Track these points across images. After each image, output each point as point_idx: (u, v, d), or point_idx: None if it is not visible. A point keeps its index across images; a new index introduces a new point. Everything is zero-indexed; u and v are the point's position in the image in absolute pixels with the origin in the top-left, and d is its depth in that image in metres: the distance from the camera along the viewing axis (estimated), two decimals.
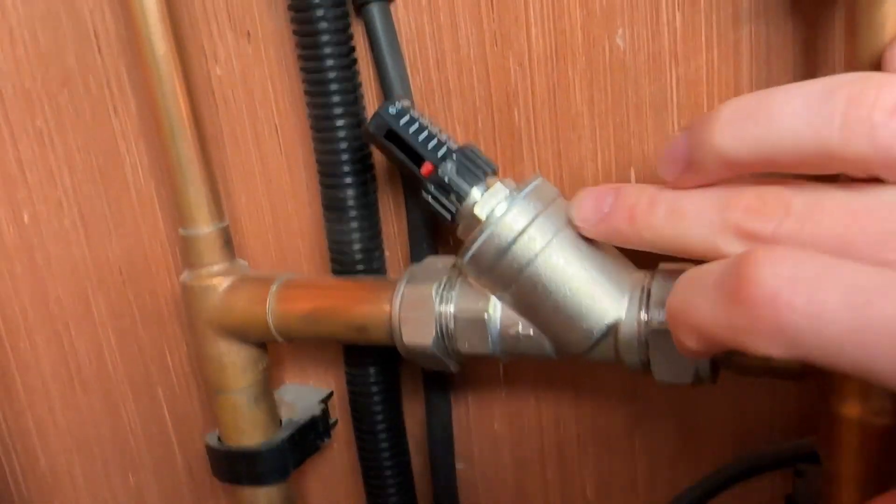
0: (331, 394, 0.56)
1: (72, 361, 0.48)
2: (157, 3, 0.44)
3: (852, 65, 0.30)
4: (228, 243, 0.48)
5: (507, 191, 0.38)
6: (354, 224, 0.47)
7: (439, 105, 0.46)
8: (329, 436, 0.54)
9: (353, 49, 0.45)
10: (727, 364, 0.36)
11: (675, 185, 0.29)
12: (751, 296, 0.21)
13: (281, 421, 0.52)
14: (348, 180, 0.46)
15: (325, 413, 0.54)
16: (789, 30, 0.37)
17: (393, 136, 0.39)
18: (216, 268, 0.47)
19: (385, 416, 0.51)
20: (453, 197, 0.38)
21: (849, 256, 0.22)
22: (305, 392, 0.56)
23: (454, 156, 0.38)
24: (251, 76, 0.51)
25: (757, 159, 0.24)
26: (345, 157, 0.46)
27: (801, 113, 0.22)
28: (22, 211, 0.48)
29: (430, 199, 0.39)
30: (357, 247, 0.47)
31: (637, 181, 0.42)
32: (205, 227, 0.47)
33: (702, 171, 0.27)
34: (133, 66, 0.50)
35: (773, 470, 0.42)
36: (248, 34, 0.50)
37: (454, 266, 0.42)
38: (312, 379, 0.56)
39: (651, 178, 0.42)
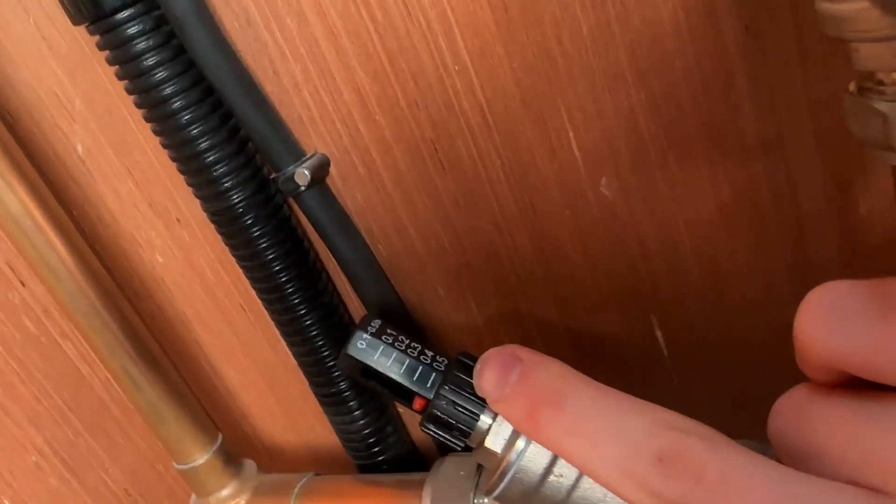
0: None
1: None
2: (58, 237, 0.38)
3: None
4: (230, 460, 0.43)
5: None
6: (358, 413, 0.42)
7: (412, 271, 0.39)
8: None
9: (298, 243, 0.38)
10: None
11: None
12: None
13: None
14: (337, 374, 0.41)
15: None
16: (816, 160, 0.29)
17: (371, 373, 0.33)
18: (225, 492, 0.43)
19: None
20: (457, 433, 0.33)
21: None
22: None
23: (448, 386, 0.32)
24: (195, 260, 0.44)
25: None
26: (326, 353, 0.40)
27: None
28: (1, 498, 0.44)
29: (430, 433, 0.34)
30: (366, 432, 0.43)
31: (661, 328, 0.36)
32: (199, 458, 0.42)
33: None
34: None
35: None
36: (178, 220, 0.43)
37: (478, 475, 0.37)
38: None
39: (676, 322, 0.36)
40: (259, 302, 0.45)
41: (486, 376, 0.27)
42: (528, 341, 0.39)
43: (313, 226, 0.38)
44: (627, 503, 0.23)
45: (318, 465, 0.51)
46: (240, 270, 0.44)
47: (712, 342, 0.35)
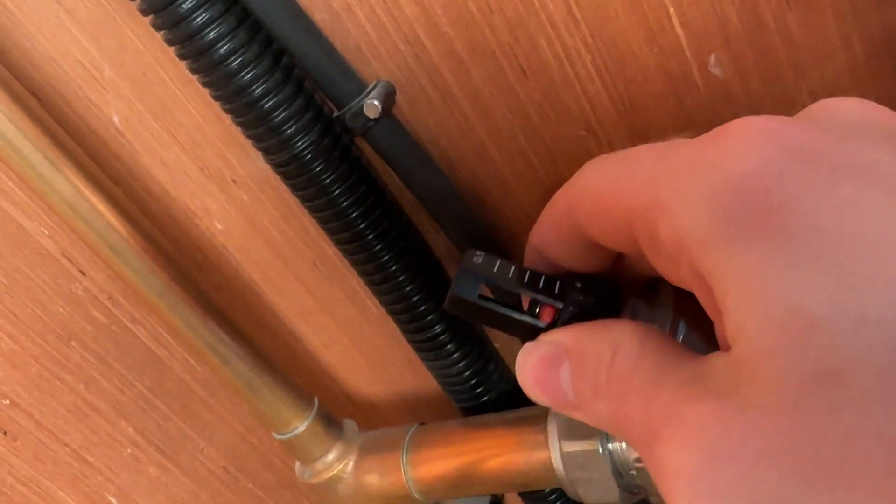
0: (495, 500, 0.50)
1: None
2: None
3: None
4: (331, 423, 0.41)
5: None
6: (457, 355, 0.39)
7: (498, 197, 0.36)
8: None
9: (372, 185, 0.35)
10: None
11: None
12: None
13: None
14: (432, 318, 0.38)
15: None
16: None
17: (492, 288, 0.30)
18: (331, 456, 0.41)
19: None
20: None
21: None
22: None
23: (578, 283, 0.29)
24: (258, 221, 0.42)
25: None
26: (416, 297, 0.37)
27: None
28: (104, 494, 0.42)
29: None
30: (468, 373, 0.40)
31: None
32: (299, 425, 0.40)
33: None
34: None
35: None
36: (234, 181, 0.40)
37: None
38: None
39: None
40: (331, 256, 0.42)
41: (529, 389, 0.23)
42: None
43: (387, 162, 0.35)
44: None
45: (414, 414, 0.49)
46: (306, 225, 0.41)
47: None
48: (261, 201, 0.41)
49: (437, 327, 0.38)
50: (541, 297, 0.29)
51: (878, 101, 0.28)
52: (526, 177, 0.35)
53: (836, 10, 0.27)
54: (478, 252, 0.30)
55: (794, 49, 0.28)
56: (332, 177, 0.34)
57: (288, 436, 0.40)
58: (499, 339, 0.43)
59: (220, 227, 0.42)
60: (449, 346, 0.39)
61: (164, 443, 0.43)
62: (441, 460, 0.39)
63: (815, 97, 0.29)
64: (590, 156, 0.33)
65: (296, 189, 0.35)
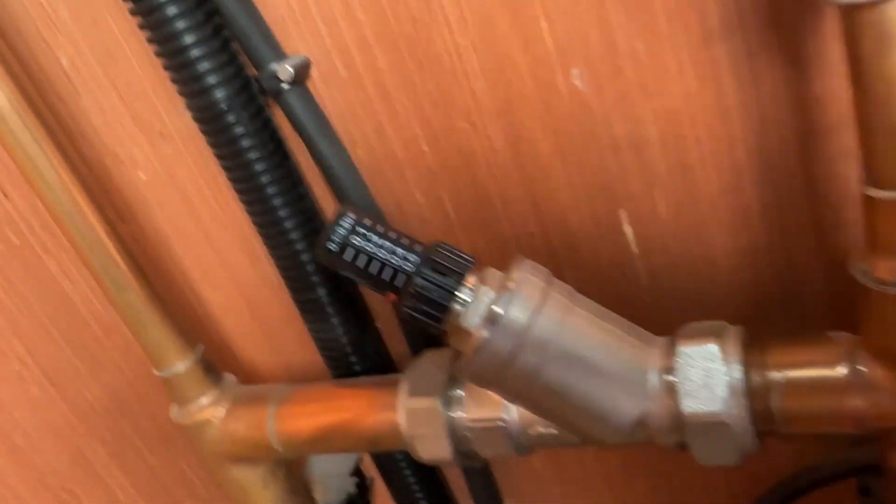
0: (359, 459, 0.53)
1: None
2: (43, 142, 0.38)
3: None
4: (210, 369, 0.44)
5: (493, 294, 0.33)
6: (336, 321, 0.43)
7: (391, 175, 0.40)
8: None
9: (279, 145, 0.39)
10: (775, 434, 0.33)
11: None
12: None
13: None
14: (316, 279, 0.42)
15: (361, 486, 0.52)
16: (774, 41, 0.31)
17: (346, 268, 0.34)
18: (204, 399, 0.44)
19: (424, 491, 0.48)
20: (431, 320, 0.34)
21: None
22: (334, 464, 0.53)
23: (419, 277, 0.33)
24: (177, 175, 0.45)
25: None
26: (305, 257, 0.41)
27: None
28: None
29: (407, 319, 0.35)
30: (344, 340, 0.44)
31: (630, 223, 0.38)
32: (180, 365, 0.43)
33: None
34: None
35: (833, 482, 0.40)
36: (161, 134, 0.44)
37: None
38: None
39: (644, 215, 0.37)
40: (241, 219, 0.46)
41: None
42: (503, 245, 0.40)
43: (295, 128, 0.39)
44: None
45: None
46: (221, 185, 0.45)
47: (680, 235, 0.37)
48: (183, 157, 0.44)
49: (319, 289, 0.42)
50: (386, 287, 0.33)
51: (706, 128, 0.33)
52: (417, 161, 0.39)
53: (672, 43, 0.32)
54: (351, 208, 0.34)
55: (641, 72, 0.33)
56: (243, 130, 0.38)
57: (167, 373, 0.43)
58: (380, 318, 0.46)
59: (143, 178, 0.46)
60: (328, 310, 0.43)
61: (53, 369, 0.45)
62: (304, 417, 0.42)
63: (658, 118, 0.34)
64: (471, 147, 0.38)
65: (209, 136, 0.39)
